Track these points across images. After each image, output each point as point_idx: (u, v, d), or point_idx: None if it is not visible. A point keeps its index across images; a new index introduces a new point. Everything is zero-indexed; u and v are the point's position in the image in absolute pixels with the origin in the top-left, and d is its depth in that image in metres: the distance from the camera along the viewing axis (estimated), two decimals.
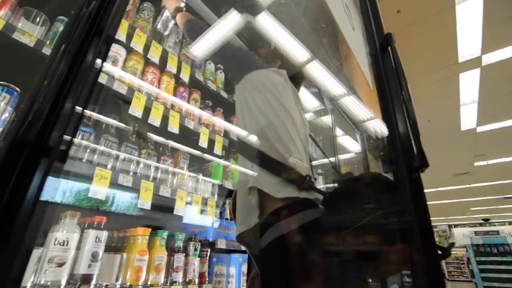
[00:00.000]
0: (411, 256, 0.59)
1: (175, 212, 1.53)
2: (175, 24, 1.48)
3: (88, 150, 1.29)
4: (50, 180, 0.50)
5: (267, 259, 0.92)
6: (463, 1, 3.18)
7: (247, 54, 1.30)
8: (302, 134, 1.10)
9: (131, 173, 1.44)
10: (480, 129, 5.70)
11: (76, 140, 1.26)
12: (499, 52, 3.89)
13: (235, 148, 1.11)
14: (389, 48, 0.81)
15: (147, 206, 1.39)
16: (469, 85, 4.51)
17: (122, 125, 1.55)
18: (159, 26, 1.76)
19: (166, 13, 1.81)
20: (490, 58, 3.97)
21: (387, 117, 0.72)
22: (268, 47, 1.55)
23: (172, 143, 1.76)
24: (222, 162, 2.03)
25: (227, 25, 1.57)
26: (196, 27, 1.32)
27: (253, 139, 1.04)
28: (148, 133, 1.64)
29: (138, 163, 1.50)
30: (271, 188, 0.92)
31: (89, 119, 1.35)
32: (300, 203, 0.92)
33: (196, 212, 1.66)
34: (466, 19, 3.40)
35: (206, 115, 1.97)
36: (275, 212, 0.90)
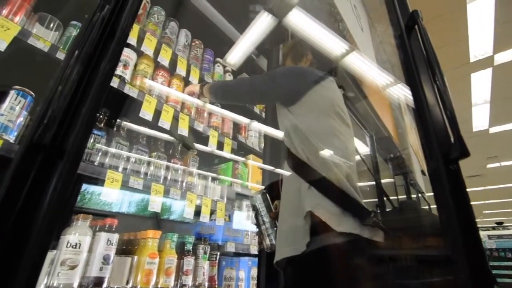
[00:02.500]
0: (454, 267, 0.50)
1: (184, 215, 1.53)
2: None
3: (100, 153, 1.30)
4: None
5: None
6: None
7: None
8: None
9: (142, 176, 1.45)
10: (493, 130, 5.57)
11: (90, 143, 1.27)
12: (511, 51, 3.80)
13: (288, 162, 1.06)
14: (416, 27, 0.73)
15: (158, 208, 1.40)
16: (481, 85, 4.42)
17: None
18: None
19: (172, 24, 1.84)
20: (502, 57, 3.89)
21: (417, 102, 0.64)
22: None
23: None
24: (234, 158, 2.03)
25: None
26: (216, 88, 1.31)
27: (315, 160, 0.98)
28: (158, 135, 1.66)
29: (148, 165, 1.51)
30: (331, 218, 0.86)
31: (100, 122, 1.37)
32: (363, 241, 0.86)
33: (206, 215, 1.66)
34: (477, 18, 3.34)
35: (218, 110, 1.96)
36: (333, 246, 0.85)
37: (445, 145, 0.56)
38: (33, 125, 0.49)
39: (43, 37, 1.20)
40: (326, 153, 0.98)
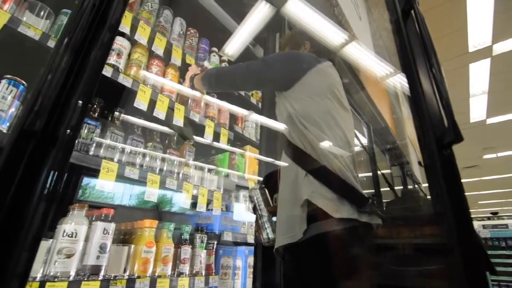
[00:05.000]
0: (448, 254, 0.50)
1: (181, 205, 1.54)
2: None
3: (94, 144, 1.29)
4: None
5: (308, 269, 0.89)
6: None
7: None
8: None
9: (138, 166, 1.45)
10: (490, 120, 5.59)
11: (83, 132, 1.27)
12: (510, 41, 3.77)
13: (287, 152, 1.05)
14: (412, 12, 0.72)
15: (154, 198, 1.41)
16: (479, 75, 4.41)
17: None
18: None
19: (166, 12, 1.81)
20: (501, 47, 3.86)
21: (413, 87, 0.63)
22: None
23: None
24: (230, 149, 2.03)
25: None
26: (209, 76, 1.25)
27: (312, 147, 0.97)
28: (153, 125, 1.65)
29: (144, 155, 1.51)
30: (328, 204, 0.86)
31: (94, 112, 1.36)
32: (361, 228, 0.87)
33: (203, 205, 1.67)
34: (476, 8, 3.30)
35: (214, 101, 1.95)
36: (331, 233, 0.85)
37: (439, 130, 0.56)
38: (23, 113, 0.49)
39: (34, 25, 1.17)
40: (323, 139, 0.97)
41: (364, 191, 0.93)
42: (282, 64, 1.13)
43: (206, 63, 1.86)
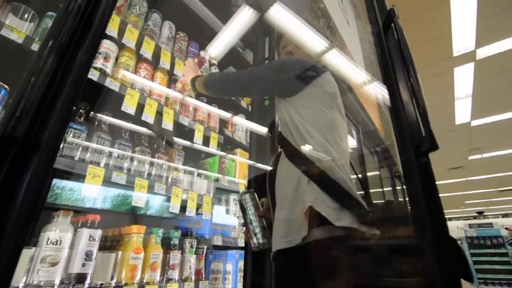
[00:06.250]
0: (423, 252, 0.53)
1: (170, 210, 1.52)
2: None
3: (80, 148, 1.27)
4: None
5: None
6: None
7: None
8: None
9: (125, 171, 1.43)
10: (474, 123, 5.75)
11: (69, 138, 1.24)
12: (493, 45, 3.91)
13: (289, 156, 1.04)
14: (392, 25, 0.75)
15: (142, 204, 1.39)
16: (464, 79, 4.53)
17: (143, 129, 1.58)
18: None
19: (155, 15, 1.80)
20: (485, 52, 3.99)
21: (392, 97, 0.66)
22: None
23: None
24: (219, 153, 2.02)
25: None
26: (212, 80, 1.24)
27: (316, 155, 0.98)
28: (143, 129, 1.63)
29: (132, 160, 1.49)
30: (330, 212, 0.86)
31: (80, 116, 1.33)
32: (355, 237, 0.88)
33: (192, 209, 1.65)
34: (460, 13, 3.41)
35: (203, 106, 1.95)
36: (332, 239, 0.86)
37: (417, 138, 0.58)
38: (5, 118, 0.48)
39: (17, 28, 1.15)
40: (327, 147, 0.98)
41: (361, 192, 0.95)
42: (289, 70, 1.12)
43: (202, 53, 1.84)
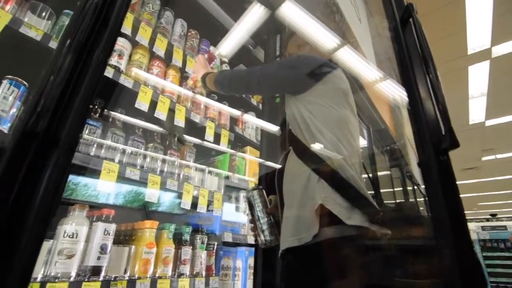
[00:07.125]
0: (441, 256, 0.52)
1: (182, 206, 1.54)
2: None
3: (95, 144, 1.29)
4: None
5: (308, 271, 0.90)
6: None
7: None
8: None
9: (138, 167, 1.45)
10: (489, 122, 5.60)
11: (84, 135, 1.27)
12: (509, 43, 3.79)
13: (299, 154, 1.04)
14: (410, 20, 0.73)
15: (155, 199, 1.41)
16: (478, 77, 4.42)
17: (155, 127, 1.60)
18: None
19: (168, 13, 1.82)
20: (500, 49, 3.88)
21: (410, 93, 0.65)
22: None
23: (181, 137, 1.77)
24: (229, 151, 2.03)
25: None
26: (222, 77, 1.24)
27: (327, 153, 0.97)
28: (155, 127, 1.65)
29: (145, 156, 1.51)
30: (341, 211, 0.86)
31: (95, 112, 1.36)
32: (365, 237, 0.87)
33: (203, 206, 1.67)
34: (476, 10, 3.32)
35: (214, 103, 1.95)
36: (343, 238, 0.85)
37: (436, 136, 0.57)
38: (25, 114, 0.49)
39: (35, 26, 1.17)
40: (338, 146, 0.97)
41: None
42: (300, 67, 1.10)
43: (212, 49, 1.83)
